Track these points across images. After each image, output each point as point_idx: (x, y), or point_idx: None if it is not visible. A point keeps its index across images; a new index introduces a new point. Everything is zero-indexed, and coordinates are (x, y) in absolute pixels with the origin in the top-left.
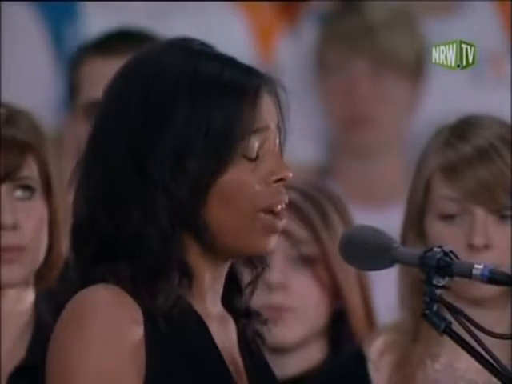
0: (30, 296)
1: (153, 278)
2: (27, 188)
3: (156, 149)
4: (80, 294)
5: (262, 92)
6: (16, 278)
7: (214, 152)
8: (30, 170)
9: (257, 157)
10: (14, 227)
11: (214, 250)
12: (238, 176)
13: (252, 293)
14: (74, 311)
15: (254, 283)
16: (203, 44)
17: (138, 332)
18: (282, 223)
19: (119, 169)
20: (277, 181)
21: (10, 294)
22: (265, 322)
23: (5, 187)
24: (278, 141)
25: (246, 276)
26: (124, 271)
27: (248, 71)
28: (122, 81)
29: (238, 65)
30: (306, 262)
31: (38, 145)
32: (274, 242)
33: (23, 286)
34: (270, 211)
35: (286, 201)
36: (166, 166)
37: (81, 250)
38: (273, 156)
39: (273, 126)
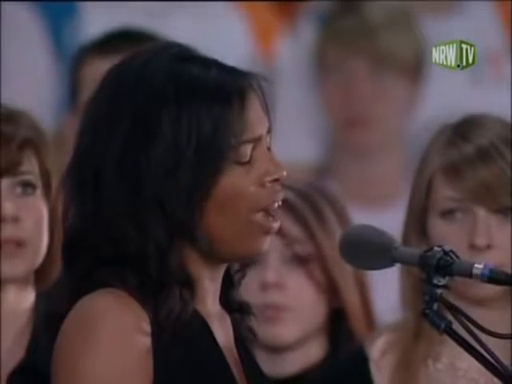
0: (30, 296)
1: (157, 288)
2: (28, 184)
3: (146, 163)
4: (88, 297)
5: (249, 96)
6: (17, 273)
7: (205, 163)
8: (31, 166)
9: (250, 160)
10: (15, 219)
11: (212, 255)
12: (231, 182)
13: (241, 279)
14: (82, 315)
15: (243, 270)
16: (188, 49)
17: (145, 338)
18: (277, 224)
19: (111, 184)
20: (272, 181)
21: (11, 293)
22: (254, 314)
23: (6, 182)
24: (269, 139)
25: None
26: (130, 277)
27: (233, 76)
28: (107, 90)
29: (223, 69)
30: (302, 261)
31: (38, 142)
32: (268, 242)
33: (24, 283)
34: (267, 211)
35: (281, 198)
36: (158, 179)
37: (75, 263)
38: (266, 157)
39: (264, 132)
